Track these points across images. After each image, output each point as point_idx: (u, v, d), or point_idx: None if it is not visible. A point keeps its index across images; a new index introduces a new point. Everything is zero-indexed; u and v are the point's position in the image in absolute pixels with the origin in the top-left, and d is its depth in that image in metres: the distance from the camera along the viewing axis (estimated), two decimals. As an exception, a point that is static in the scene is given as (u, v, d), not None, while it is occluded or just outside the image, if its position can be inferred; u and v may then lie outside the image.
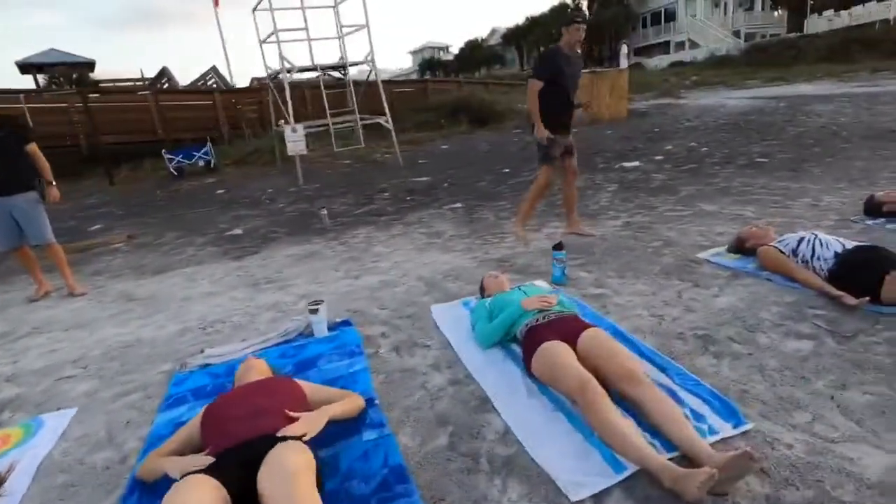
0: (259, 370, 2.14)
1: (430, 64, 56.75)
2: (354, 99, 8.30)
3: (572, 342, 2.14)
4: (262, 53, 8.15)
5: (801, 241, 2.92)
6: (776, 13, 37.96)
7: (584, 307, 2.78)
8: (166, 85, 19.65)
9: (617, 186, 5.79)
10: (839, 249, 2.75)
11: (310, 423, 1.75)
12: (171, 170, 10.32)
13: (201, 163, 10.59)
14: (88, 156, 12.11)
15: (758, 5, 36.72)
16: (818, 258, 2.78)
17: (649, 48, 38.89)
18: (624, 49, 19.25)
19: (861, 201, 4.05)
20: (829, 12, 30.32)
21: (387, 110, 8.83)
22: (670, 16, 37.23)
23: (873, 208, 3.79)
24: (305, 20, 7.53)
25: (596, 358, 2.03)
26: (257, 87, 14.79)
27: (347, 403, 2.00)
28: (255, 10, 8.24)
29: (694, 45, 34.91)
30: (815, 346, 2.20)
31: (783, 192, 4.80)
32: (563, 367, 1.96)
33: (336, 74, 9.13)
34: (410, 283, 3.45)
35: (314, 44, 7.95)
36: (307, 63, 8.37)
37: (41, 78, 23.78)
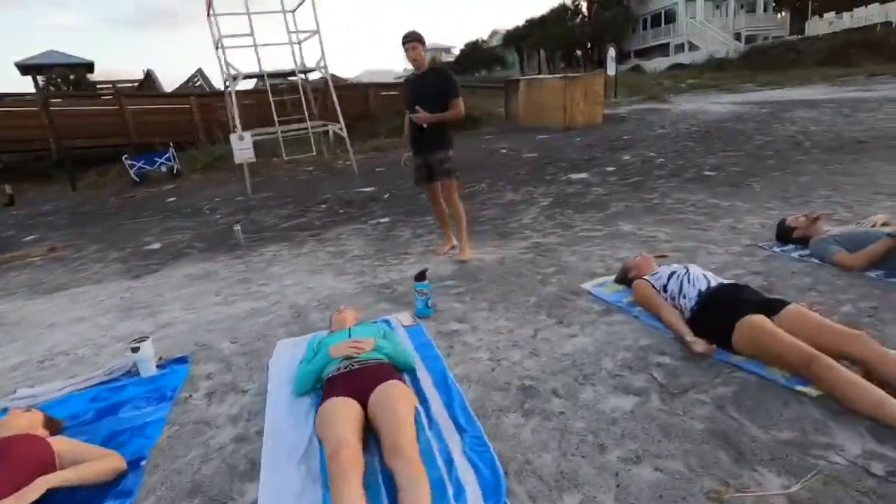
0: (17, 425, 1.96)
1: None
2: (305, 106, 8.11)
3: (364, 398, 1.95)
4: (218, 58, 7.97)
5: (671, 275, 2.69)
6: (779, 15, 37.39)
7: (428, 348, 2.57)
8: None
9: (550, 201, 5.55)
10: (703, 287, 2.52)
11: (18, 499, 1.57)
12: (133, 175, 10.22)
13: (163, 168, 10.47)
14: (59, 160, 12.07)
15: (759, 7, 36.16)
16: (684, 296, 2.55)
17: (649, 50, 38.45)
18: (611, 52, 19.10)
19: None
20: (831, 14, 29.76)
21: (340, 117, 8.63)
22: (670, 17, 36.75)
23: (784, 234, 3.54)
24: (251, 26, 7.39)
25: (379, 420, 1.84)
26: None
27: (94, 467, 1.81)
28: (209, 14, 8.11)
29: (693, 47, 34.43)
30: (637, 404, 1.98)
31: (711, 210, 4.55)
32: (329, 432, 1.77)
33: (295, 79, 8.96)
34: (279, 312, 3.26)
35: (283, 49, 7.83)
36: (264, 69, 8.22)
37: (41, 79, 23.90)
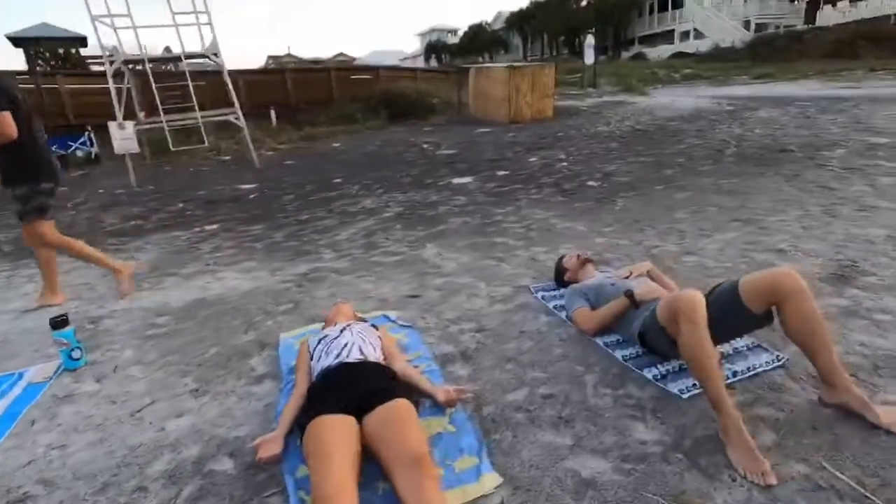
0: None
1: (435, 48, 55.39)
2: (193, 93, 7.59)
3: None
4: (98, 39, 7.28)
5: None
6: (795, 2, 35.43)
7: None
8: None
9: (395, 213, 4.98)
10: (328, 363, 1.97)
11: None
12: (47, 160, 9.85)
13: (79, 153, 10.08)
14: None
15: (773, -8, 34.31)
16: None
17: (654, 37, 36.87)
18: (589, 40, 18.06)
19: (607, 253, 3.24)
20: (845, 3, 28.03)
21: (237, 104, 8.07)
22: (678, 2, 35.07)
23: (558, 275, 2.94)
24: (128, 6, 6.82)
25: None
26: (182, 71, 14.04)
27: None
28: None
29: (699, 35, 32.87)
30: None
31: (539, 234, 3.94)
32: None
33: (200, 62, 8.41)
34: None
35: (190, 32, 7.26)
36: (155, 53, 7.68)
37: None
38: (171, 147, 7.88)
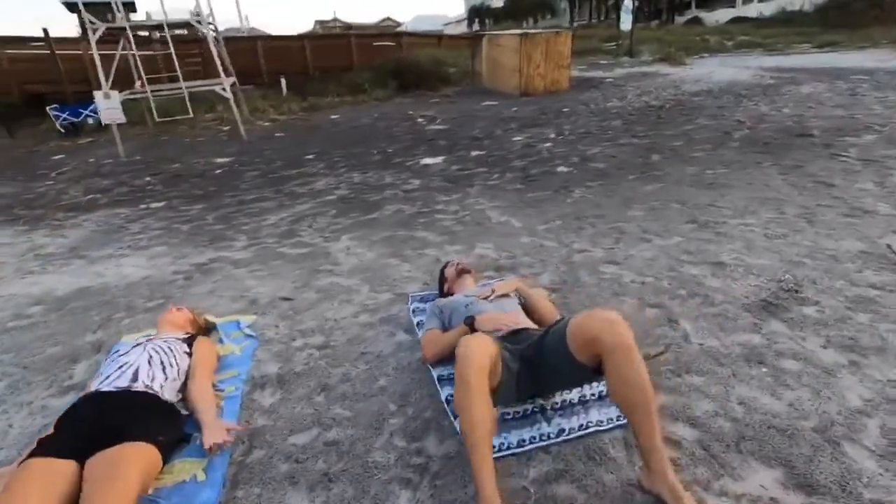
0: None
1: (479, 12, 53.24)
2: (177, 63, 7.43)
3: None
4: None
5: None
6: (882, -42, 31.26)
7: None
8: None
9: (337, 197, 4.68)
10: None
11: None
12: (59, 127, 10.13)
13: (90, 120, 10.29)
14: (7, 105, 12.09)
15: (856, -53, 30.34)
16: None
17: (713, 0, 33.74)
18: (627, 3, 16.59)
19: (526, 256, 2.87)
20: (941, -42, 24.38)
21: (223, 76, 7.86)
22: (741, -40, 31.76)
23: (440, 283, 2.59)
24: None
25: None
26: (202, 38, 14.07)
27: None
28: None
29: (764, -4, 29.78)
30: None
31: (463, 227, 3.57)
32: None
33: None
34: None
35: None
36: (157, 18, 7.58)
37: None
38: (155, 118, 7.85)
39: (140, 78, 7.98)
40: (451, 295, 2.43)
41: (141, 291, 3.00)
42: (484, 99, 10.56)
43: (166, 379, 1.86)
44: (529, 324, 1.97)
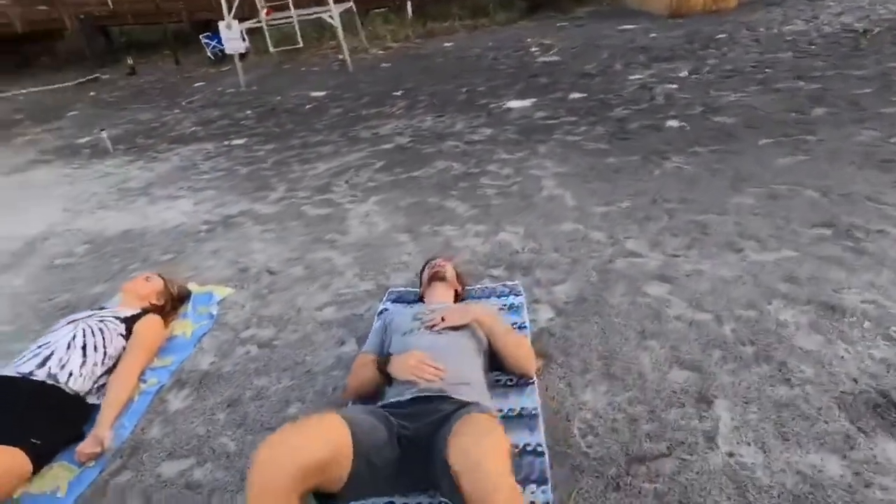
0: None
1: None
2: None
3: None
4: None
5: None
6: None
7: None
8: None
9: (393, 146, 4.21)
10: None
11: None
12: (209, 54, 11.09)
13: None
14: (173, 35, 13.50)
15: None
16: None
17: None
18: None
19: (553, 253, 2.32)
20: None
21: (331, 1, 7.58)
22: None
23: (420, 284, 2.10)
24: None
25: None
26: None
27: None
28: None
29: None
30: None
31: (501, 201, 2.91)
32: None
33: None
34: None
35: None
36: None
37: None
38: (270, 48, 8.05)
39: (263, 6, 8.17)
40: (422, 301, 1.97)
41: (163, 242, 3.06)
42: (621, 22, 8.83)
43: (84, 364, 1.77)
44: (468, 377, 1.44)
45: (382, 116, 5.24)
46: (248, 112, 6.34)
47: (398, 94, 6.17)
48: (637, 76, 5.37)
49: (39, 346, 1.78)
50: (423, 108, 5.35)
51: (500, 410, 1.51)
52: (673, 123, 3.88)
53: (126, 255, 2.93)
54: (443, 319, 1.60)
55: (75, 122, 7.28)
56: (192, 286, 2.43)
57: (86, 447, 1.53)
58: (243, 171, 4.21)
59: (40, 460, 1.52)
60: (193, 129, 5.87)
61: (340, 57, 9.48)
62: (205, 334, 2.11)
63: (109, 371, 1.85)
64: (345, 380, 1.72)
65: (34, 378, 1.66)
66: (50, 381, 1.67)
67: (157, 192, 3.93)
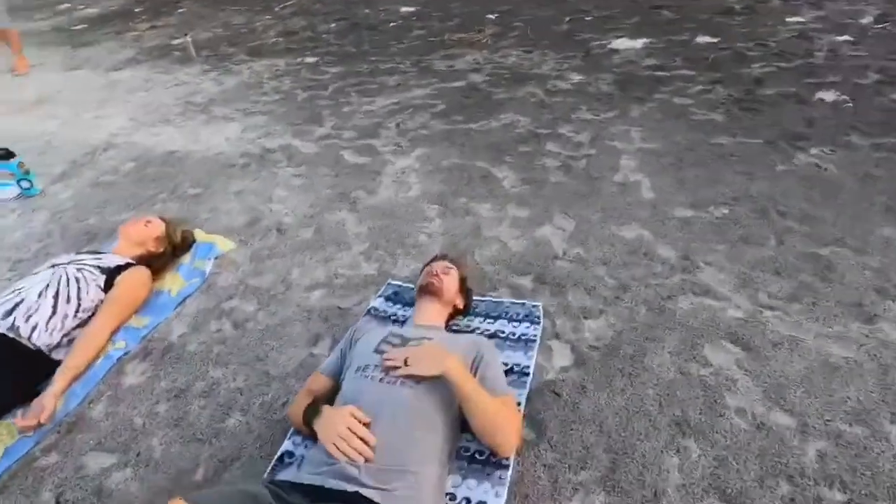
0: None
1: None
2: None
3: None
4: None
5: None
6: None
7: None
8: None
9: (462, 86, 3.60)
10: None
11: None
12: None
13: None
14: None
15: None
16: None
17: None
18: None
19: (601, 266, 1.89)
20: None
21: None
22: None
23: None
24: None
25: None
26: None
27: None
28: None
29: None
30: None
31: (561, 179, 2.33)
32: None
33: None
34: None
35: None
36: None
37: None
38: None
39: None
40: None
41: (198, 172, 2.92)
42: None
43: (52, 316, 1.68)
44: (412, 461, 1.09)
45: (464, 45, 4.59)
46: (332, 25, 5.94)
47: (492, 17, 5.38)
48: (797, 18, 4.12)
49: (13, 291, 1.72)
50: (513, 38, 4.59)
51: (452, 500, 1.17)
52: (827, 95, 2.90)
53: (161, 182, 2.85)
54: (405, 363, 1.24)
55: (180, 19, 7.38)
56: (199, 233, 2.28)
57: (25, 417, 1.46)
58: (302, 96, 3.92)
59: (-14, 416, 1.49)
60: (275, 39, 5.63)
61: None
62: (189, 295, 1.95)
63: (83, 324, 1.77)
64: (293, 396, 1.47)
65: (-6, 329, 1.60)
66: (11, 335, 1.61)
67: (216, 111, 3.81)
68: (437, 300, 1.52)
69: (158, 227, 2.10)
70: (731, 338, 1.51)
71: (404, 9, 6.20)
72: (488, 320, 1.66)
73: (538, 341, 1.57)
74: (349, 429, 1.10)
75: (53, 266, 1.83)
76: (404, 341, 1.36)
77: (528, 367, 1.49)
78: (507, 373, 1.46)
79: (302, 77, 4.32)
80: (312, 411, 1.18)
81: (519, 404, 1.37)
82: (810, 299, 1.61)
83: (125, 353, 1.72)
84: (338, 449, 1.07)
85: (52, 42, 6.64)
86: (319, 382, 1.39)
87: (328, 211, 2.39)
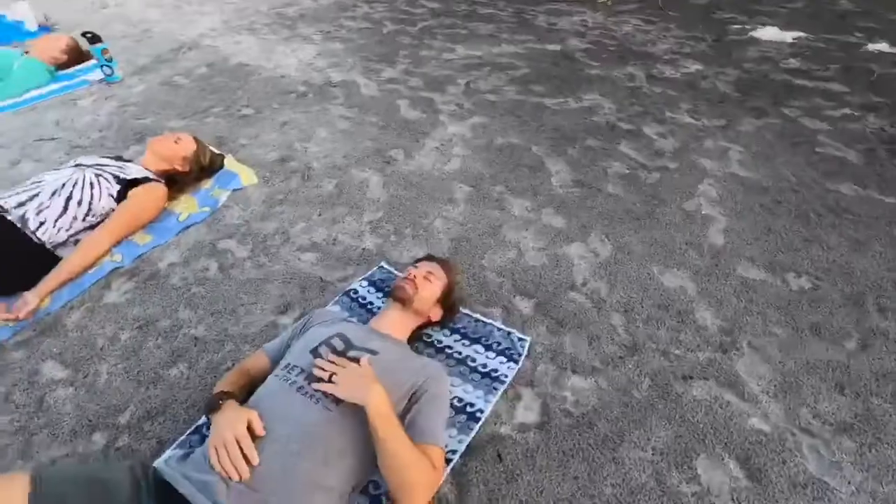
0: None
1: None
2: None
3: None
4: None
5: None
6: None
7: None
8: None
9: (557, 51, 3.13)
10: None
11: None
12: None
13: None
14: None
15: None
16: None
17: None
18: None
19: (632, 294, 1.66)
20: None
21: None
22: None
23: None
24: None
25: None
26: None
27: None
28: None
29: None
30: None
31: (615, 193, 1.96)
32: None
33: None
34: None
35: None
36: None
37: None
38: None
39: None
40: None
41: (258, 91, 2.87)
42: None
43: (62, 216, 1.73)
44: (302, 498, 0.98)
45: (580, 1, 4.04)
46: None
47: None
48: None
49: (33, 182, 1.79)
50: (640, 2, 3.96)
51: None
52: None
53: (221, 94, 2.85)
54: (329, 377, 1.11)
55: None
56: (229, 159, 2.25)
57: (10, 309, 1.54)
58: (388, 28, 3.70)
59: (-19, 297, 1.59)
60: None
61: None
62: (195, 224, 1.94)
63: (91, 228, 1.81)
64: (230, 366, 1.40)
65: (4, 216, 1.68)
66: (18, 224, 1.68)
67: (300, 29, 3.71)
68: (404, 308, 1.35)
69: (188, 147, 2.08)
70: (739, 455, 1.20)
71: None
72: (463, 341, 1.47)
73: (507, 383, 1.36)
74: (236, 438, 1.00)
75: (77, 166, 1.87)
76: (347, 348, 1.21)
77: (481, 411, 1.29)
78: (456, 410, 1.29)
79: (395, 8, 4.08)
80: (216, 402, 1.10)
81: (453, 453, 1.20)
82: (869, 438, 1.24)
83: (118, 267, 1.75)
84: (216, 457, 0.99)
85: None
86: (258, 363, 1.30)
87: (358, 166, 2.24)
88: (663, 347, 1.46)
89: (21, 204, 1.71)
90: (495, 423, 1.28)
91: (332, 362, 1.13)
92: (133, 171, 1.94)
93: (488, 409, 1.30)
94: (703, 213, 1.94)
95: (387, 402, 1.06)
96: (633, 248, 1.79)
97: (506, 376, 1.37)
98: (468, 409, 1.30)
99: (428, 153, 2.32)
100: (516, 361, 1.41)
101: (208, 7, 4.13)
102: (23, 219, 1.69)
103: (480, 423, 1.27)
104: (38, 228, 1.70)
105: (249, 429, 1.02)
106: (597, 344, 1.47)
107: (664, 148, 2.31)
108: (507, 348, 1.44)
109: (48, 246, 1.72)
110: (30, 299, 1.57)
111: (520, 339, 1.47)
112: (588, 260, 1.75)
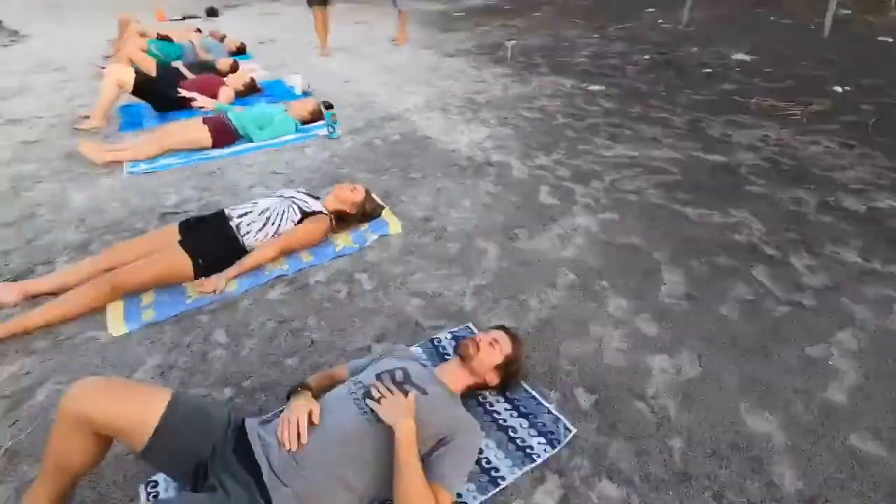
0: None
1: None
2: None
3: None
4: None
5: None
6: None
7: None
8: None
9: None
10: None
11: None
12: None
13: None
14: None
15: None
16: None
17: None
18: None
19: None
20: None
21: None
22: None
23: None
24: None
25: None
26: None
27: None
28: None
29: None
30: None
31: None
32: None
33: None
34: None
35: None
36: None
37: None
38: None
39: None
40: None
41: (429, 160, 3.40)
42: None
43: (260, 230, 2.37)
44: (327, 482, 1.21)
45: (768, 114, 3.84)
46: (645, 57, 5.73)
47: (837, 89, 4.27)
48: None
49: (253, 202, 2.48)
50: (840, 123, 3.59)
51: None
52: None
53: (401, 160, 3.45)
54: (380, 400, 1.35)
55: (529, 23, 8.24)
56: (386, 211, 2.75)
57: (203, 283, 2.16)
58: (557, 121, 4.03)
59: (196, 276, 2.26)
60: (582, 59, 5.81)
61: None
62: (345, 255, 2.43)
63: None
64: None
65: (231, 223, 2.37)
66: (235, 229, 2.36)
67: (481, 113, 4.28)
68: (463, 364, 1.54)
69: (359, 196, 2.64)
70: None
71: (737, 56, 5.51)
72: (512, 412, 1.58)
73: (537, 463, 1.42)
74: (298, 419, 1.30)
75: (279, 196, 2.55)
76: (405, 381, 1.45)
77: (503, 478, 1.38)
78: (481, 469, 1.41)
79: (573, 103, 4.42)
80: (296, 389, 1.43)
81: (463, 504, 1.32)
82: None
83: (283, 275, 2.31)
84: (282, 427, 1.30)
85: (432, 23, 8.39)
86: (340, 372, 1.62)
87: (483, 236, 2.53)
88: (718, 489, 1.35)
89: (241, 215, 2.41)
90: (512, 495, 1.36)
91: (388, 388, 1.39)
92: (314, 205, 2.55)
93: (510, 479, 1.38)
94: (830, 363, 1.71)
95: (412, 434, 1.26)
96: (725, 378, 1.68)
97: (538, 456, 1.44)
98: (493, 472, 1.41)
99: (549, 237, 2.50)
100: (553, 447, 1.46)
101: (420, 89, 5.05)
102: (238, 227, 2.37)
103: (499, 488, 1.36)
104: (245, 235, 2.37)
105: (310, 416, 1.32)
106: (644, 459, 1.43)
107: (808, 283, 2.09)
108: (550, 432, 1.51)
109: (246, 248, 2.37)
110: (219, 281, 2.19)
111: (566, 429, 1.52)
112: (668, 375, 1.70)
